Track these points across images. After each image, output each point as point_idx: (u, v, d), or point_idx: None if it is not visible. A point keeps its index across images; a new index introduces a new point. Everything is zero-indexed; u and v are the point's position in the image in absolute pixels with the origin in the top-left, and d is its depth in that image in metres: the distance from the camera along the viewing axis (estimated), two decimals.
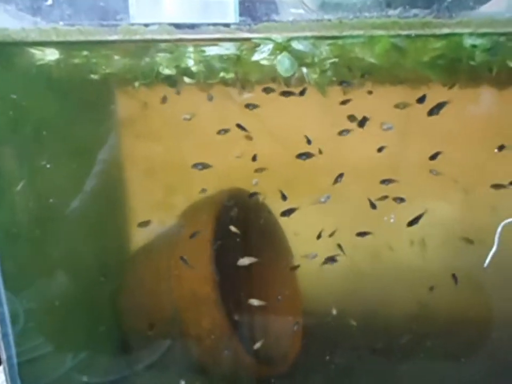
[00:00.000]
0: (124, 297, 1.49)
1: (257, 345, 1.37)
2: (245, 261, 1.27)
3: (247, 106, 1.19)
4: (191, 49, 0.99)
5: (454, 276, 1.18)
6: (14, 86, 1.06)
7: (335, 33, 0.85)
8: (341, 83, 1.12)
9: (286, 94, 1.09)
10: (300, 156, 1.20)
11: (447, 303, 1.26)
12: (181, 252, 1.37)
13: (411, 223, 1.14)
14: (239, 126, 1.21)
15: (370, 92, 1.12)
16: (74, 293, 1.38)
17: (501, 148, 1.13)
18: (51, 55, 1.01)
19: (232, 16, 0.85)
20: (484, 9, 0.87)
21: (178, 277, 1.36)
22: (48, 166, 1.17)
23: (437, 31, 0.85)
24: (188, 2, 0.87)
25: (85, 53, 1.02)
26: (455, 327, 1.28)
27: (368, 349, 1.39)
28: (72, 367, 1.38)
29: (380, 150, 1.15)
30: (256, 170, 1.28)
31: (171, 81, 1.11)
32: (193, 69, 1.07)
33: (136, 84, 1.13)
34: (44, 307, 1.30)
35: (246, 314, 1.49)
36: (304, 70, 1.03)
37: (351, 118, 1.15)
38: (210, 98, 1.15)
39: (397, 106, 1.07)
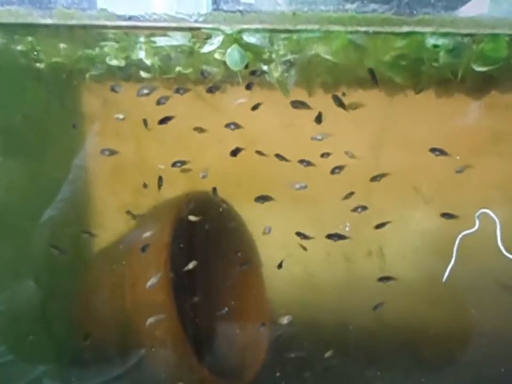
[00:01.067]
0: (77, 305, 1.41)
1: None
2: (189, 266, 1.21)
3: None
4: (141, 39, 0.92)
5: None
6: None
7: (289, 26, 0.79)
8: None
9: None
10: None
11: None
12: (136, 257, 1.30)
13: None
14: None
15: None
16: (27, 299, 1.31)
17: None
18: None
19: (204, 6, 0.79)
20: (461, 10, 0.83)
21: (132, 283, 1.28)
22: None
23: (397, 29, 0.80)
24: None
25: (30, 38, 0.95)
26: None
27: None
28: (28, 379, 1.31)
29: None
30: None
31: (123, 74, 1.03)
32: (147, 61, 1.00)
33: (87, 75, 1.06)
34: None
35: (204, 324, 1.41)
36: (265, 67, 0.97)
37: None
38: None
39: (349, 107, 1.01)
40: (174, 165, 1.18)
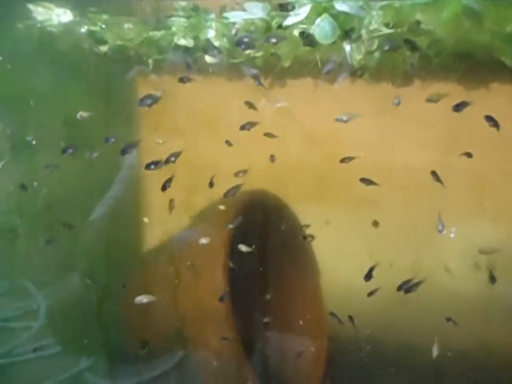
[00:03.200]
0: (127, 306, 1.34)
1: None
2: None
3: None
4: (212, 15, 0.83)
5: None
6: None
7: None
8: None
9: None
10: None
11: None
12: (191, 258, 1.21)
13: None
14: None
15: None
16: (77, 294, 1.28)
17: None
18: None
19: None
20: None
21: (185, 287, 1.19)
22: None
23: None
24: None
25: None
26: None
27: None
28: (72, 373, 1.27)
29: None
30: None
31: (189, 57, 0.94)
32: (216, 42, 0.90)
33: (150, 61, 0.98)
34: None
35: (261, 335, 1.30)
36: (348, 48, 0.85)
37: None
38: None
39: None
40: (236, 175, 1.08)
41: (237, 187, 0.96)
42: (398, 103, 0.86)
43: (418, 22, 0.68)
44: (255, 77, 0.96)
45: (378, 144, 1.15)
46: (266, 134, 0.99)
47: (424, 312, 1.22)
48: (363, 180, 0.93)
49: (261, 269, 1.30)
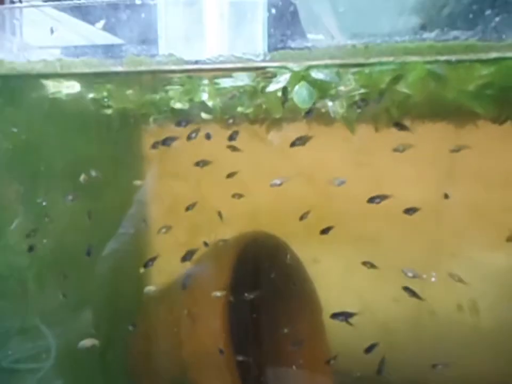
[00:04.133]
0: (133, 348, 1.36)
1: None
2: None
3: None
4: (205, 81, 0.92)
5: None
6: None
7: (360, 60, 0.74)
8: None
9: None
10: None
11: None
12: (193, 302, 1.24)
13: None
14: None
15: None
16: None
17: None
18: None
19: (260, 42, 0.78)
20: None
21: (188, 332, 1.22)
22: None
23: (483, 56, 0.72)
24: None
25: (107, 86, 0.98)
26: None
27: None
28: None
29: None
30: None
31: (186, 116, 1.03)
32: (209, 103, 0.99)
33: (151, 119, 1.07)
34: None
35: (264, 378, 1.30)
36: (330, 103, 0.93)
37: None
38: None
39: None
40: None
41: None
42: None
43: (390, 88, 0.76)
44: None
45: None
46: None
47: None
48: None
49: (262, 311, 1.31)
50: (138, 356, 1.27)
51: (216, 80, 0.89)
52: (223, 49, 0.80)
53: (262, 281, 1.28)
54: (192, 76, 0.90)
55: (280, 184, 0.94)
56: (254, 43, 0.79)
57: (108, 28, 0.79)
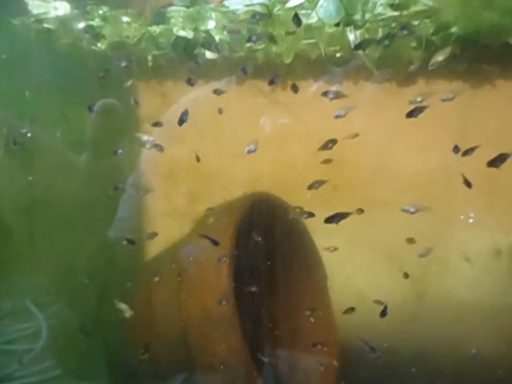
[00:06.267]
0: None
1: None
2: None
3: None
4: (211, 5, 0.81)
5: None
6: None
7: None
8: None
9: None
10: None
11: None
12: (194, 262, 1.17)
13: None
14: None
15: None
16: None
17: None
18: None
19: None
20: None
21: (188, 291, 1.14)
22: None
23: None
24: None
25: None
26: None
27: None
28: None
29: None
30: None
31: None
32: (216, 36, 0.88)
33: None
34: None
35: (269, 341, 1.25)
36: (351, 36, 0.82)
37: None
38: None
39: None
40: None
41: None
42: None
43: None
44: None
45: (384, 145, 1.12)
46: None
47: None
48: None
49: (267, 271, 1.26)
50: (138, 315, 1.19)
51: (225, 2, 0.78)
52: None
53: (268, 240, 1.21)
54: None
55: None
56: None
57: None
